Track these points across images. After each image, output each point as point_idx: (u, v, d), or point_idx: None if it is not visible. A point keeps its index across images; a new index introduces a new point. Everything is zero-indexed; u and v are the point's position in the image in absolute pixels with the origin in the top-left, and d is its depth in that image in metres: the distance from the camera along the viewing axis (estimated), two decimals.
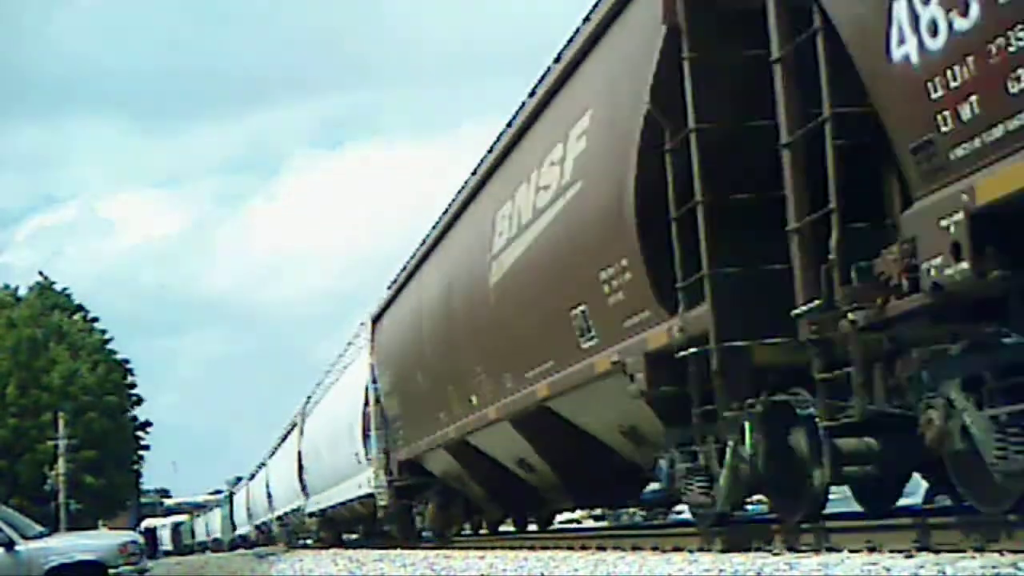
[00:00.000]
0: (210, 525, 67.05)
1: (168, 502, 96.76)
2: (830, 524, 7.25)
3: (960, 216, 5.17)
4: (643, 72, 8.00)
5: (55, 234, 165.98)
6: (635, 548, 9.81)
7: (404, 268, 17.70)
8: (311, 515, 30.22)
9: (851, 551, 6.44)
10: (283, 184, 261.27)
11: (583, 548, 11.09)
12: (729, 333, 7.32)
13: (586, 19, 9.56)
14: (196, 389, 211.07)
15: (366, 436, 20.61)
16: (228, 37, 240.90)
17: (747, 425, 7.28)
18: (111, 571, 14.79)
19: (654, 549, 9.29)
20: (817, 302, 6.30)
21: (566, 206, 9.71)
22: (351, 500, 22.89)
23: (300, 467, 30.81)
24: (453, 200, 14.54)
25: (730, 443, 7.46)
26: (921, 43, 5.30)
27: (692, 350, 7.63)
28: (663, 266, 7.94)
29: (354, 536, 28.75)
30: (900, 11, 5.43)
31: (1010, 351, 5.33)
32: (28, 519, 17.38)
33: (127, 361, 56.51)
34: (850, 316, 6.01)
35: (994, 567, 4.86)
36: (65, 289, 57.12)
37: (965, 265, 5.15)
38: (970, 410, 5.49)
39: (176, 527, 74.78)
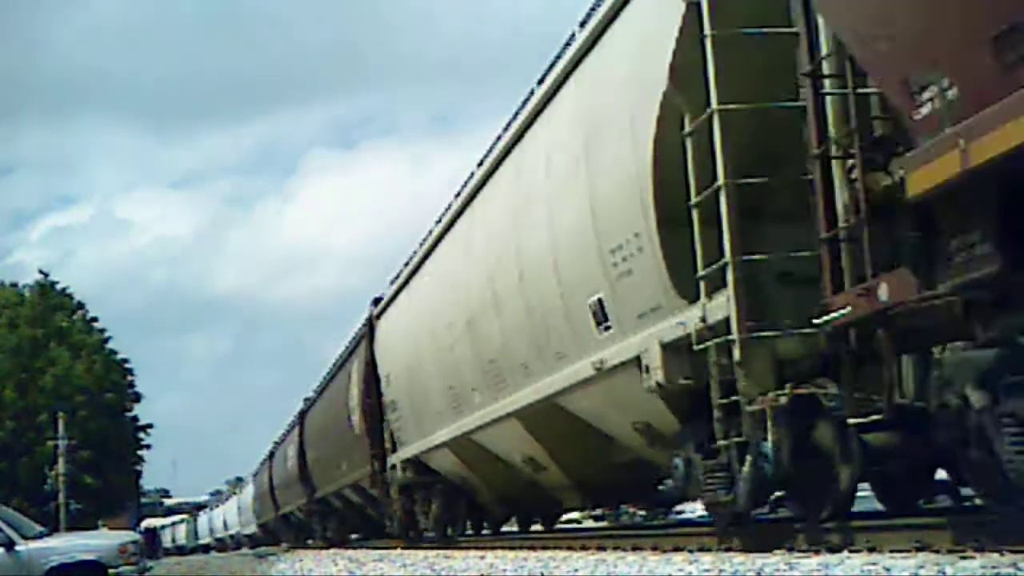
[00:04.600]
0: (176, 535, 78.11)
1: (168, 502, 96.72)
2: (830, 524, 7.24)
3: None
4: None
5: (69, 234, 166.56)
6: (635, 548, 9.80)
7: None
8: (241, 536, 56.45)
9: (851, 551, 6.44)
10: (297, 184, 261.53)
11: (583, 548, 11.08)
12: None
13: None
14: (201, 388, 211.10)
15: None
16: (241, 40, 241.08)
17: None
18: (111, 571, 14.75)
19: (654, 549, 9.28)
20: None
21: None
22: (244, 533, 54.15)
23: (239, 508, 56.25)
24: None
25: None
26: None
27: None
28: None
29: (355, 536, 29.01)
30: None
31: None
32: (28, 519, 17.35)
33: (127, 361, 56.34)
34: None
35: (994, 567, 4.85)
36: (65, 289, 56.93)
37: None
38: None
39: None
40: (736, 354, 7.25)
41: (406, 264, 17.46)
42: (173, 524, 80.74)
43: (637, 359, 8.56)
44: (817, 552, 6.74)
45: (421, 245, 16.34)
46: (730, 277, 7.25)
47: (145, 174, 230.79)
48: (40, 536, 15.64)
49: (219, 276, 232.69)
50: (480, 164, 13.25)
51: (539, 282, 10.69)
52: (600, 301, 9.26)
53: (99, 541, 15.91)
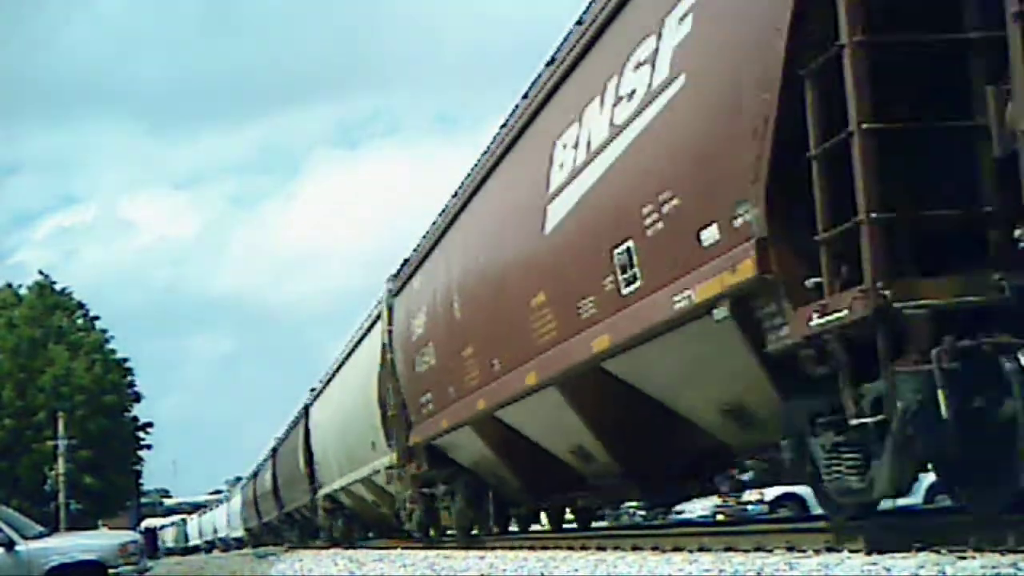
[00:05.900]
0: (166, 538, 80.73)
1: (168, 502, 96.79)
2: (830, 524, 7.24)
3: None
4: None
5: (72, 234, 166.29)
6: (635, 548, 9.79)
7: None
8: (229, 539, 63.60)
9: (851, 551, 6.43)
10: (301, 184, 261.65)
11: (583, 548, 11.09)
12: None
13: None
14: (202, 388, 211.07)
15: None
16: (242, 40, 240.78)
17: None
18: (111, 571, 14.79)
19: (654, 549, 9.27)
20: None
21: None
22: (232, 537, 61.64)
23: (228, 514, 63.99)
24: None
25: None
26: None
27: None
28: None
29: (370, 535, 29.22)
30: None
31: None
32: (28, 519, 17.37)
33: (126, 360, 56.28)
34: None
35: (994, 567, 4.85)
36: (65, 289, 56.88)
37: None
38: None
39: None
40: (396, 475, 17.20)
41: (326, 373, 27.64)
42: (164, 527, 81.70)
43: (382, 470, 18.79)
44: (817, 552, 6.74)
45: (332, 366, 26.35)
46: (396, 445, 17.02)
47: (148, 174, 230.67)
48: (40, 536, 15.68)
49: (221, 276, 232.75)
50: (351, 338, 22.99)
51: (360, 423, 20.65)
52: (373, 441, 19.39)
53: (99, 541, 15.96)
